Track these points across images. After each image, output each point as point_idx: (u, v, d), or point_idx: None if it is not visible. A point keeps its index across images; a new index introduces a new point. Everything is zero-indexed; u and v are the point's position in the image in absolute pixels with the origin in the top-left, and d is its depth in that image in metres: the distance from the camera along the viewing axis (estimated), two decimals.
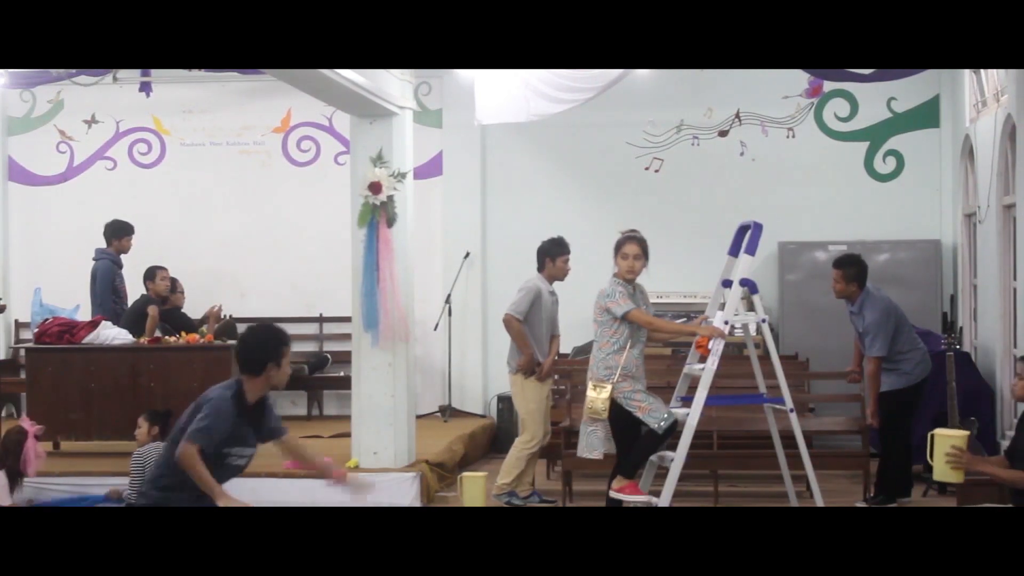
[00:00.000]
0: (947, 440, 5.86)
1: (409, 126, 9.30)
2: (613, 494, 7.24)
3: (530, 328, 8.68)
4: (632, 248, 7.34)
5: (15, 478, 7.85)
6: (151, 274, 10.37)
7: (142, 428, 8.10)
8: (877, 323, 8.43)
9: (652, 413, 7.15)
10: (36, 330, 9.89)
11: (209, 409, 5.38)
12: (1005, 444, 9.45)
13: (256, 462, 9.28)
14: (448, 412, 11.76)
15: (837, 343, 10.00)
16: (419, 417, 10.04)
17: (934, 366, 8.82)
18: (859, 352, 8.86)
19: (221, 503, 5.32)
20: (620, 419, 7.23)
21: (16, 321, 12.60)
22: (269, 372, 5.47)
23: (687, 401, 7.57)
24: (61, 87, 12.32)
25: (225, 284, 12.20)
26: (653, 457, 7.52)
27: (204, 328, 10.12)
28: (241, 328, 11.55)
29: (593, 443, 7.33)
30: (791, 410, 7.64)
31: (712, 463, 8.93)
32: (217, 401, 5.45)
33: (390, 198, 8.83)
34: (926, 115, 11.59)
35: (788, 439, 7.85)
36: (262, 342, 5.48)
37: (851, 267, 8.60)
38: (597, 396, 7.16)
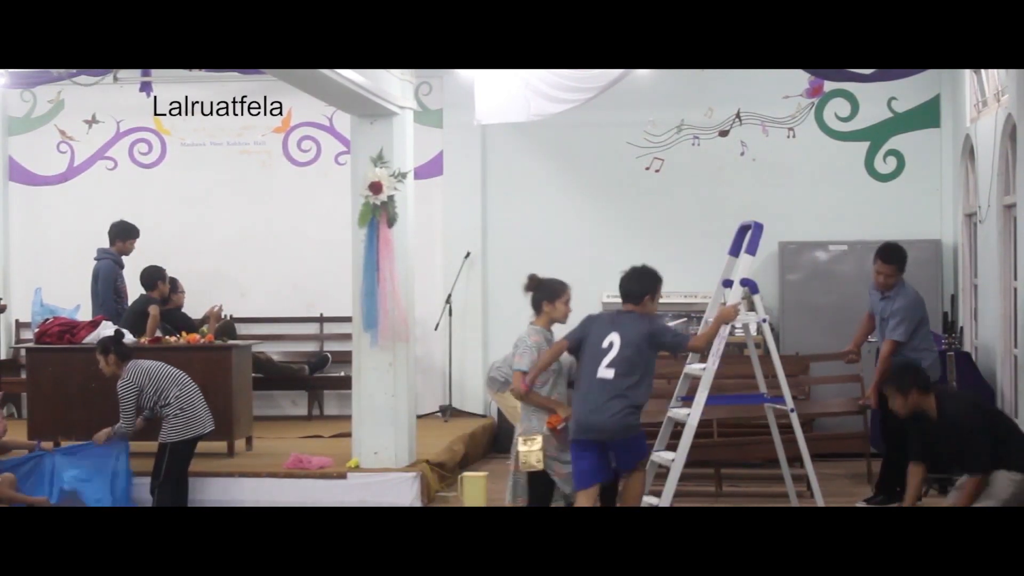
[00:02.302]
0: None
1: (410, 126, 9.30)
2: None
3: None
4: (569, 296, 7.26)
5: None
6: (161, 274, 10.28)
7: (101, 362, 8.45)
8: (907, 308, 8.33)
9: (567, 481, 6.97)
10: (37, 330, 9.89)
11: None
12: None
13: (256, 462, 9.36)
14: (448, 412, 11.76)
15: (837, 342, 9.98)
16: (419, 417, 10.03)
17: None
18: (863, 333, 8.82)
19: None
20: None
21: (17, 321, 12.60)
22: (645, 303, 6.91)
23: (687, 401, 7.57)
24: (61, 87, 12.31)
25: (225, 284, 12.20)
26: (654, 457, 7.52)
27: (205, 328, 10.12)
28: (241, 328, 11.63)
29: (519, 492, 7.20)
30: (792, 410, 7.65)
31: (712, 452, 8.94)
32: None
33: (391, 198, 8.83)
34: (927, 115, 11.58)
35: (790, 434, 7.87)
36: (645, 279, 6.94)
37: (903, 260, 8.50)
38: (530, 450, 6.92)
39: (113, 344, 8.53)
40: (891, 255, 8.53)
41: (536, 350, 7.01)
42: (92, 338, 9.51)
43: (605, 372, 6.64)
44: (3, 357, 12.55)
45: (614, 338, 6.68)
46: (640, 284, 6.93)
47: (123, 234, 10.56)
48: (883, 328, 8.56)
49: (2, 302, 11.53)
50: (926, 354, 8.45)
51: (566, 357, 7.11)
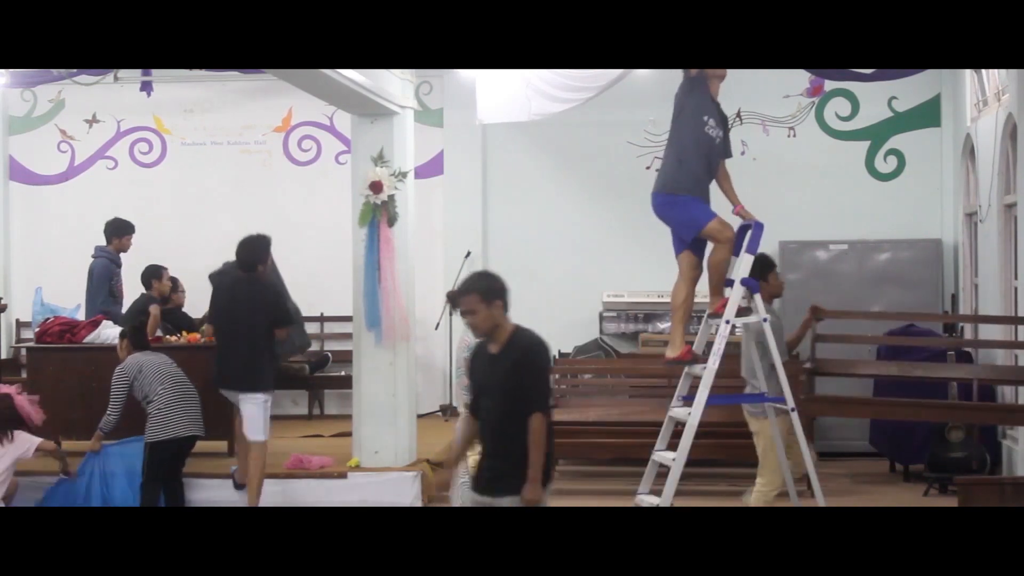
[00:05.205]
0: None
1: (410, 125, 9.30)
2: None
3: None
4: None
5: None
6: (157, 273, 10.31)
7: (119, 346, 8.58)
8: None
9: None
10: (37, 329, 9.90)
11: None
12: (1005, 443, 9.47)
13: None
14: (449, 411, 11.76)
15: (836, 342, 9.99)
16: (420, 416, 10.03)
17: (934, 366, 8.76)
18: None
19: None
20: None
21: (17, 320, 12.60)
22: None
23: (688, 400, 7.56)
24: (62, 86, 12.32)
25: None
26: (655, 456, 7.51)
27: (205, 328, 10.11)
28: None
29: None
30: (792, 409, 7.63)
31: (716, 452, 8.96)
32: None
33: (391, 197, 8.84)
34: (927, 114, 11.58)
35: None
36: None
37: None
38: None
39: (131, 331, 8.55)
40: None
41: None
42: (92, 338, 9.53)
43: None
44: (3, 356, 12.55)
45: None
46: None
47: (118, 231, 10.55)
48: None
49: (2, 301, 11.53)
50: None
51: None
